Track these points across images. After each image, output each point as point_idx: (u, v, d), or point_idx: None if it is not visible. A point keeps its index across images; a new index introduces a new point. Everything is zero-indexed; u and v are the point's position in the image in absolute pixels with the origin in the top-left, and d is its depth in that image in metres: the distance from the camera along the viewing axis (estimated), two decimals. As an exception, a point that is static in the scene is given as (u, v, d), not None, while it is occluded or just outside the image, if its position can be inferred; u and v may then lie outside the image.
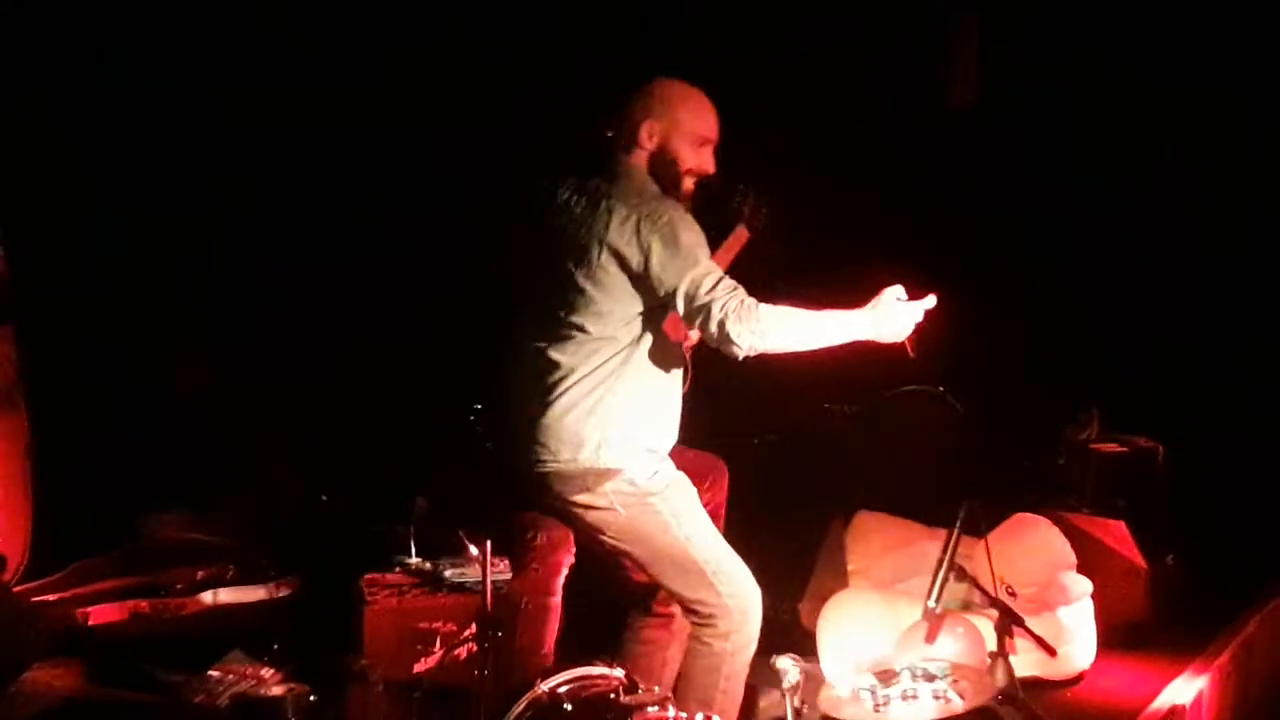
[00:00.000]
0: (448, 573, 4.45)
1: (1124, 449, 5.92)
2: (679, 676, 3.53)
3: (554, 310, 3.41)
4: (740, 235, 3.87)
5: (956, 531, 4.22)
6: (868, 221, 5.90)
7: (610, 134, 3.51)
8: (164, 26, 4.81)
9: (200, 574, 4.33)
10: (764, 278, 3.45)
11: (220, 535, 4.60)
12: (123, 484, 4.68)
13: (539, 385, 3.42)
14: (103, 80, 4.68)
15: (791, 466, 5.55)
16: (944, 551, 4.20)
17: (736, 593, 3.43)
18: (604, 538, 3.45)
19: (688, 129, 3.49)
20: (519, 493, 3.53)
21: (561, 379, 3.39)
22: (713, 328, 3.25)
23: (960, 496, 4.29)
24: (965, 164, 6.47)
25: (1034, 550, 4.66)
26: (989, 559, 4.25)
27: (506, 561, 3.93)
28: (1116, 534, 5.15)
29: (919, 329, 3.32)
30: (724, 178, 3.64)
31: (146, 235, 4.87)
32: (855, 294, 3.36)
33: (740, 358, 3.29)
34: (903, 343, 3.35)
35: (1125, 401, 6.15)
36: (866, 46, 6.19)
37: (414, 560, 4.55)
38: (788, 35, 5.95)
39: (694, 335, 3.54)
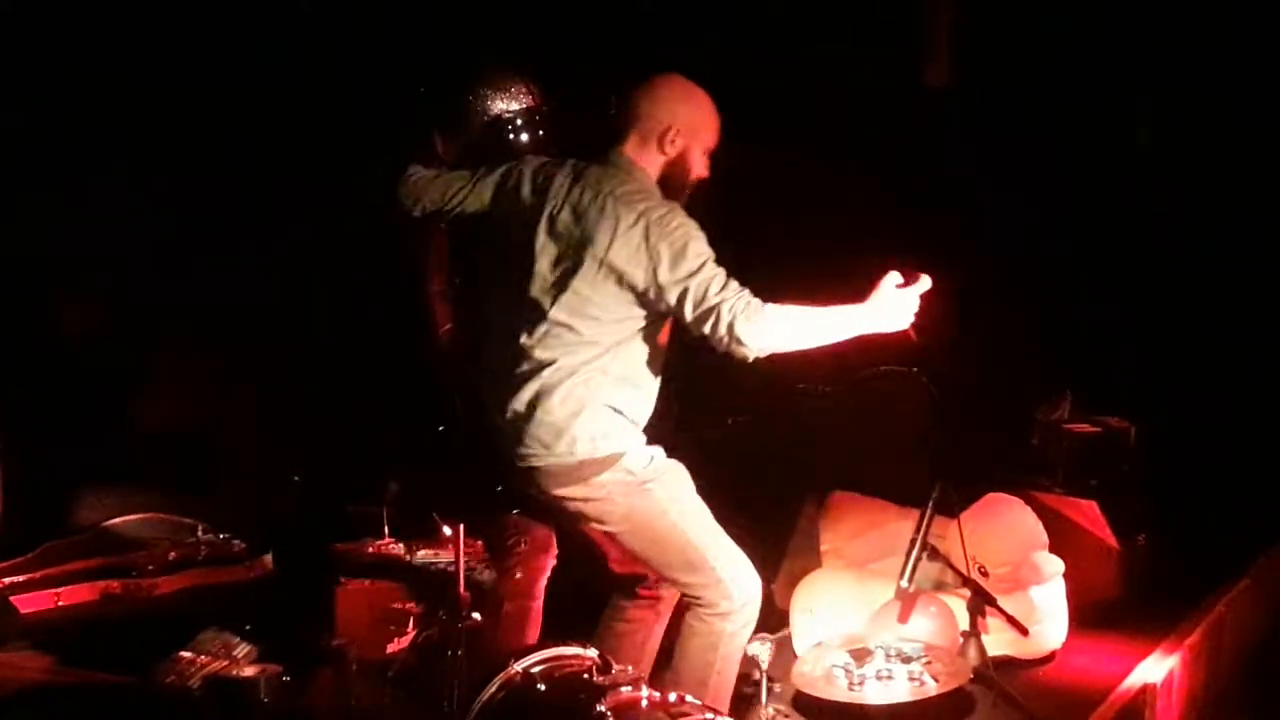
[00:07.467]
0: (421, 554, 4.45)
1: (1096, 429, 5.93)
2: (675, 656, 3.49)
3: (539, 305, 3.29)
4: None
5: (929, 511, 4.25)
6: (844, 208, 5.89)
7: (616, 120, 3.38)
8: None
9: (172, 555, 4.32)
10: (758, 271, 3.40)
11: (191, 516, 4.59)
12: (89, 467, 4.65)
13: (521, 380, 3.32)
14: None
15: (766, 447, 5.55)
16: (917, 531, 4.23)
17: (735, 576, 3.39)
18: (603, 527, 3.40)
19: (706, 141, 3.41)
20: (504, 482, 3.47)
21: (545, 375, 3.29)
22: (722, 330, 3.14)
23: (933, 477, 4.32)
24: (938, 148, 6.47)
25: (1006, 530, 4.67)
26: (962, 539, 4.27)
27: (480, 544, 3.93)
28: (1088, 514, 5.18)
29: (917, 313, 3.29)
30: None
31: (127, 218, 4.82)
32: (840, 282, 3.31)
33: (750, 359, 3.19)
34: (905, 330, 3.31)
35: (1097, 382, 6.17)
36: (846, 30, 6.17)
37: (387, 541, 4.55)
38: (771, 22, 5.93)
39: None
